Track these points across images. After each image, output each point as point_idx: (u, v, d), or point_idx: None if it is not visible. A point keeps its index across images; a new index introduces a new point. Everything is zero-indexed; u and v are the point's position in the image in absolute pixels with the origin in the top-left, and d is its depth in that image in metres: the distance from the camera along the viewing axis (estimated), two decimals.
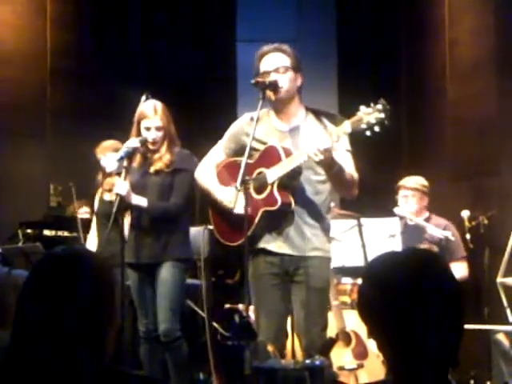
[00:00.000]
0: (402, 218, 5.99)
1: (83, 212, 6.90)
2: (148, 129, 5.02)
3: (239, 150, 4.28)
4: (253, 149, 4.10)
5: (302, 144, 4.08)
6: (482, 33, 6.97)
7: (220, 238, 4.37)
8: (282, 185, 4.09)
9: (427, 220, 6.05)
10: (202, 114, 8.02)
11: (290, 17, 8.63)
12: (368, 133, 3.78)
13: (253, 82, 4.09)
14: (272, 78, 4.12)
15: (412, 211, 6.06)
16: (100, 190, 6.12)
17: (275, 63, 4.17)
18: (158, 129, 5.03)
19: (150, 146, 5.03)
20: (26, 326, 1.87)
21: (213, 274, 6.42)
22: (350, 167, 4.16)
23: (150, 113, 5.04)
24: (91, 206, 6.37)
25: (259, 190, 4.15)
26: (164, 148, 5.04)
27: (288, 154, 4.07)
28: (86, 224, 6.36)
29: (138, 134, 5.04)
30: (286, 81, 4.15)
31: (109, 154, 5.88)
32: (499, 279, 5.33)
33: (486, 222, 6.14)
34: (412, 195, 6.10)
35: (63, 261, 1.93)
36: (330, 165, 3.95)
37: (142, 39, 8.43)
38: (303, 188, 4.16)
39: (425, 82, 7.87)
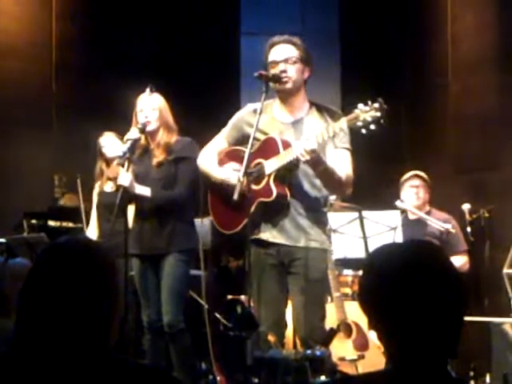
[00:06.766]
0: (403, 211, 6.03)
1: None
2: (141, 110, 4.99)
3: (240, 139, 4.32)
4: (254, 138, 4.11)
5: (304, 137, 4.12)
6: (484, 29, 7.00)
7: (217, 225, 4.42)
8: (278, 177, 4.12)
9: (428, 214, 6.08)
10: (205, 106, 8.02)
11: (294, 10, 8.66)
12: (364, 131, 3.80)
13: (256, 74, 4.11)
14: (281, 67, 4.15)
15: (418, 204, 6.10)
16: (99, 183, 6.11)
17: (285, 54, 4.19)
18: (151, 108, 4.98)
19: (146, 128, 4.95)
20: (30, 315, 1.88)
21: (215, 264, 6.44)
22: (345, 166, 4.17)
23: (145, 95, 5.03)
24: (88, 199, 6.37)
25: (257, 181, 4.18)
26: (160, 132, 4.99)
27: (286, 146, 4.08)
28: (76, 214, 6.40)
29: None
30: (294, 71, 4.17)
31: (111, 139, 5.94)
32: (505, 270, 5.36)
33: (486, 215, 6.20)
34: (422, 185, 6.14)
35: (67, 250, 1.94)
36: (316, 164, 3.98)
37: (147, 32, 8.42)
38: (300, 181, 4.18)
39: (427, 77, 7.89)
